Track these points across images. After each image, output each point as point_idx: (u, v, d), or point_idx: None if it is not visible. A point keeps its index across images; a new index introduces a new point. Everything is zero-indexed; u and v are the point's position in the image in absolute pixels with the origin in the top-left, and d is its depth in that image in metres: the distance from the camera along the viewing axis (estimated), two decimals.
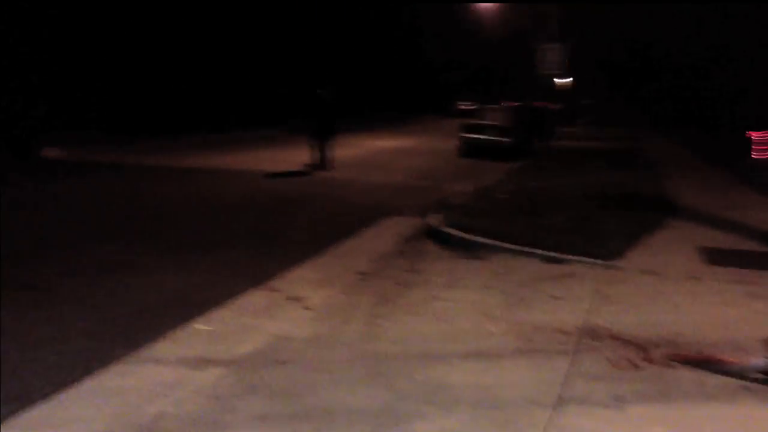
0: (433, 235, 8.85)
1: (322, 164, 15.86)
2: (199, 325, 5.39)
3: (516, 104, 24.60)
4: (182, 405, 4.00)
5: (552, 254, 7.64)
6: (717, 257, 7.69)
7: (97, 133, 22.45)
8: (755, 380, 4.41)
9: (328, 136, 15.82)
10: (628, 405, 4.10)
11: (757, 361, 4.50)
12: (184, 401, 4.05)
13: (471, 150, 21.29)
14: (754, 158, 20.22)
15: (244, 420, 3.85)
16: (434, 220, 9.43)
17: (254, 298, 6.15)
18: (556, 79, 35.99)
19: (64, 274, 6.76)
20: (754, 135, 21.30)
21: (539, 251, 7.76)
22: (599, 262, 7.40)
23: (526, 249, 7.87)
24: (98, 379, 4.35)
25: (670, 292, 6.47)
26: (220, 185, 13.26)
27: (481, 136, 21.38)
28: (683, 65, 37.99)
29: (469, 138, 21.64)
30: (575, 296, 6.36)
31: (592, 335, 5.29)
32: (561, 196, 12.08)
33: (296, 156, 16.91)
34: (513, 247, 7.97)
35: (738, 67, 28.90)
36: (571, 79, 34.70)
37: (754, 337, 5.11)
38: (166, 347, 4.92)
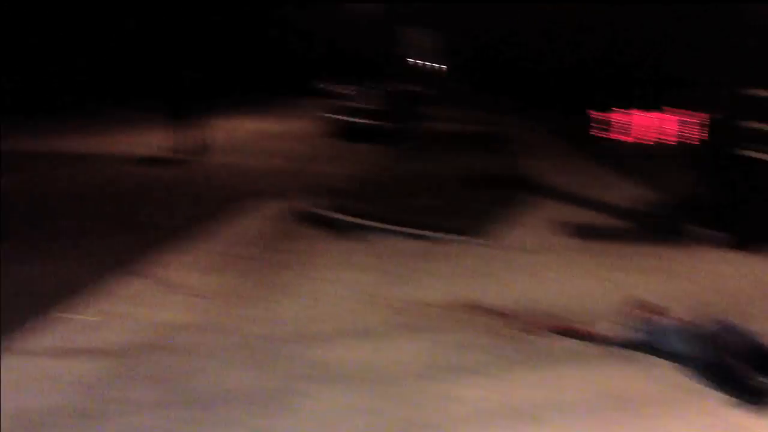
0: (309, 217, 8.87)
1: (189, 148, 15.43)
2: (72, 315, 5.20)
3: (387, 87, 24.81)
4: (54, 397, 3.87)
5: (425, 233, 7.85)
6: (578, 233, 8.15)
7: None
8: (615, 346, 4.76)
9: (194, 119, 15.36)
10: (500, 372, 4.33)
11: (613, 328, 4.84)
12: (56, 393, 3.92)
13: (342, 133, 21.28)
14: (598, 137, 21.45)
15: (123, 410, 3.77)
16: (309, 202, 9.46)
17: (128, 285, 5.96)
18: (423, 63, 36.61)
19: None
20: (596, 115, 22.56)
21: (413, 231, 7.95)
22: (469, 239, 7.69)
23: (401, 229, 8.04)
24: None
25: (535, 266, 6.83)
26: (85, 171, 12.66)
27: (352, 119, 21.44)
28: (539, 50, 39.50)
29: (341, 120, 21.63)
30: (448, 272, 6.59)
31: (464, 308, 5.51)
32: (432, 177, 12.37)
33: (162, 139, 16.39)
34: (387, 227, 8.12)
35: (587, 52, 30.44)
36: (439, 63, 35.40)
37: (609, 305, 5.47)
38: (33, 338, 4.72)
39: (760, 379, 3.94)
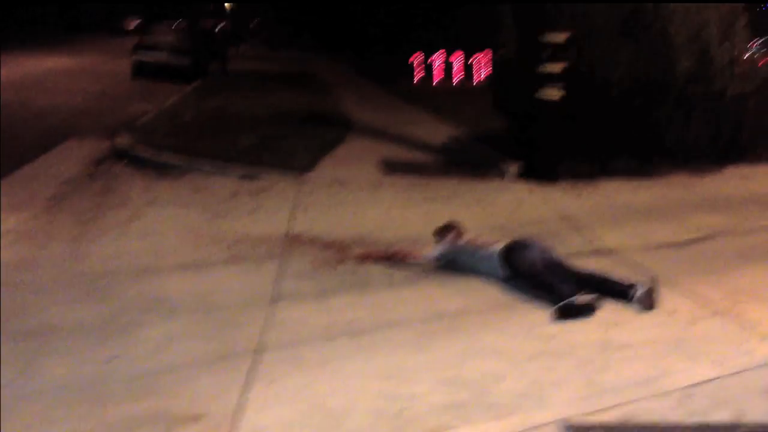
0: (122, 156, 8.70)
1: None
2: None
3: (188, 23, 23.93)
4: None
5: (246, 170, 7.97)
6: (393, 168, 8.61)
7: None
8: (428, 269, 5.22)
9: None
10: (328, 297, 4.64)
11: (429, 252, 5.31)
12: None
13: (145, 71, 20.46)
14: (411, 78, 22.23)
15: None
16: (121, 141, 9.24)
17: None
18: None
19: None
20: (412, 58, 23.34)
21: (233, 168, 8.06)
22: (290, 175, 7.91)
23: (221, 166, 8.12)
24: None
25: (357, 200, 7.20)
26: None
27: (155, 57, 20.69)
28: None
29: (142, 59, 20.80)
30: (273, 207, 6.81)
31: (293, 241, 5.77)
32: (245, 116, 12.34)
33: None
34: (207, 165, 8.16)
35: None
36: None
37: (427, 232, 5.92)
38: None
39: (572, 291, 4.46)
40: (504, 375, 3.58)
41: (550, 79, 7.85)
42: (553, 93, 7.83)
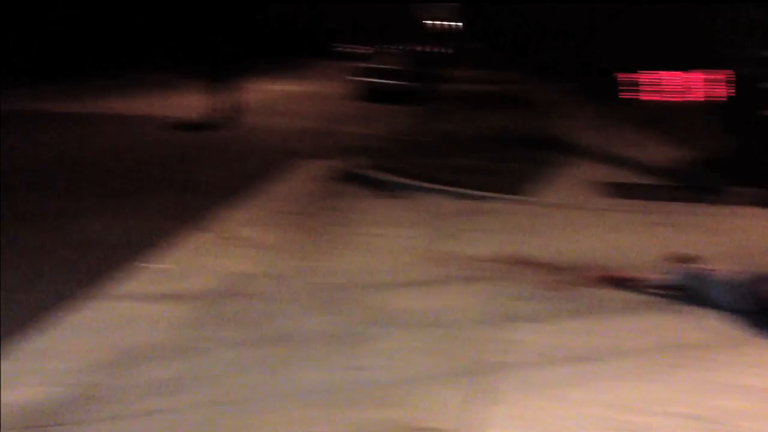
0: (352, 176, 9.18)
1: (225, 109, 15.68)
2: (153, 264, 5.57)
3: (410, 47, 24.94)
4: (160, 335, 4.25)
5: (468, 192, 8.15)
6: (616, 190, 8.42)
7: None
8: (659, 296, 5.05)
9: (229, 82, 15.58)
10: (556, 320, 4.64)
11: (665, 279, 5.14)
12: (161, 332, 4.29)
13: (367, 94, 21.50)
14: (626, 98, 21.54)
15: (222, 346, 4.14)
16: (351, 162, 9.76)
17: (195, 239, 6.34)
18: (439, 22, 36.32)
19: (9, 223, 6.68)
20: (622, 77, 22.59)
21: (455, 189, 8.26)
22: (511, 197, 7.98)
23: (443, 187, 8.35)
24: (75, 315, 4.51)
25: (578, 223, 7.13)
26: (131, 132, 13.01)
27: (377, 80, 21.64)
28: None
29: (365, 82, 21.83)
30: (495, 229, 6.90)
31: (516, 262, 5.81)
32: (463, 137, 12.64)
33: (197, 101, 16.69)
34: (430, 186, 8.43)
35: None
36: (454, 22, 35.03)
37: (656, 258, 5.75)
38: (129, 285, 5.09)
39: None
40: (751, 414, 3.40)
41: None
42: None
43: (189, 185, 8.77)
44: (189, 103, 16.90)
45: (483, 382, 3.74)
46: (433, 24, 34.90)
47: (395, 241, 6.48)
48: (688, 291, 4.97)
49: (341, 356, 4.08)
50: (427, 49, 30.94)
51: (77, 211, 7.24)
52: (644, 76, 21.90)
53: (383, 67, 21.99)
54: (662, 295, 5.05)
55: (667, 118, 16.40)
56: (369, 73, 21.96)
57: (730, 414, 3.40)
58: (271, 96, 21.40)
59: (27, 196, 7.81)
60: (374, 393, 3.66)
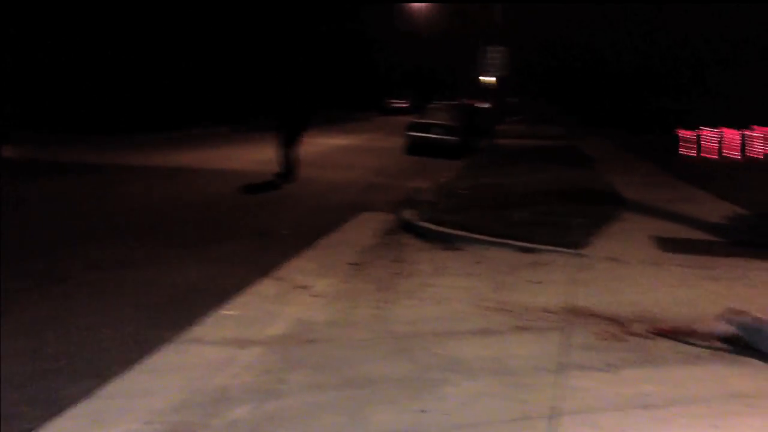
0: (410, 228, 9.48)
1: (289, 164, 16.04)
2: (227, 311, 5.92)
3: (460, 103, 25.47)
4: (239, 377, 4.55)
5: (524, 244, 8.36)
6: (671, 245, 8.55)
7: (45, 131, 22.18)
8: (718, 347, 5.21)
9: (297, 138, 15.89)
10: (618, 369, 4.82)
11: (723, 330, 5.28)
12: (240, 375, 4.59)
13: (418, 148, 21.95)
14: (683, 154, 21.62)
15: (297, 389, 4.42)
16: (408, 214, 10.07)
17: (265, 287, 6.68)
18: (482, 78, 36.64)
19: (89, 269, 7.14)
20: (683, 133, 22.73)
21: (512, 242, 8.48)
22: (568, 250, 8.16)
23: (499, 240, 8.58)
24: (157, 357, 4.86)
25: (634, 276, 7.27)
26: (200, 184, 13.58)
27: (428, 135, 22.10)
28: (611, 67, 39.62)
29: (416, 136, 22.32)
30: (552, 281, 7.10)
31: (575, 313, 6.01)
32: (517, 191, 12.89)
33: (258, 154, 17.31)
34: (487, 238, 8.66)
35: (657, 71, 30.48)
36: (497, 78, 35.30)
37: (712, 312, 5.87)
38: (205, 330, 5.44)
39: None
40: None
41: None
42: None
43: (258, 236, 9.14)
44: (255, 156, 17.54)
45: (553, 426, 3.94)
46: (487, 81, 35.34)
47: (457, 292, 6.71)
48: (746, 342, 5.11)
49: (411, 400, 4.31)
50: (482, 104, 31.43)
51: (155, 259, 7.66)
52: (704, 133, 21.98)
53: (431, 121, 22.49)
54: (720, 347, 5.20)
55: (725, 174, 16.43)
56: (419, 128, 22.47)
57: None
58: (326, 149, 22.00)
59: (107, 245, 8.24)
60: None
